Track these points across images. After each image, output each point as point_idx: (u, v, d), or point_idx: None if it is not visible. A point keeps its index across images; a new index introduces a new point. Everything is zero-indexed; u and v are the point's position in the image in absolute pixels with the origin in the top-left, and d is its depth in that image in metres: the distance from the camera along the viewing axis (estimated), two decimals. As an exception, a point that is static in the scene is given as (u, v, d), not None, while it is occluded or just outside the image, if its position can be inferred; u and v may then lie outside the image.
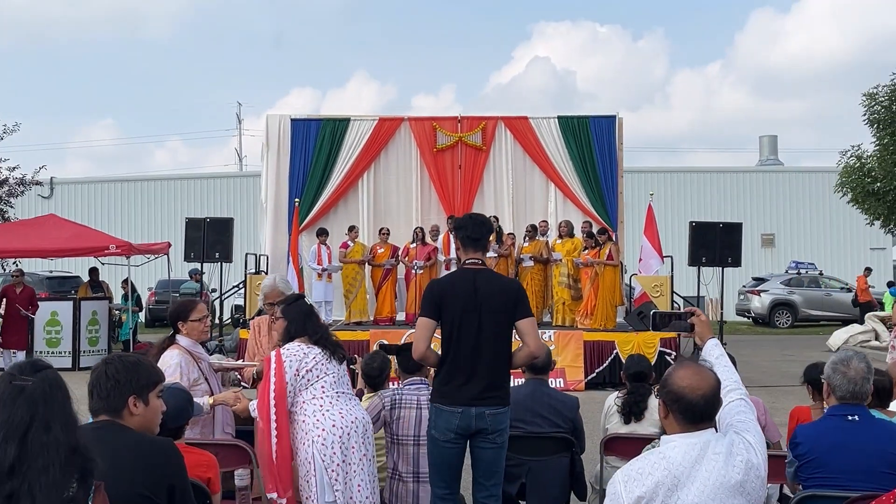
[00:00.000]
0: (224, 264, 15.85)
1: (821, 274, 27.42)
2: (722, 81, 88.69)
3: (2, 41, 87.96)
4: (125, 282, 18.07)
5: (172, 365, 4.77)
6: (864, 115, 19.29)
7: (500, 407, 4.67)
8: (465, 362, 4.66)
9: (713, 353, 3.36)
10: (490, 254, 15.27)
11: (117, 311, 18.54)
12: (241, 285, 16.36)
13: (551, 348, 13.97)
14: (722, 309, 15.28)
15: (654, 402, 5.34)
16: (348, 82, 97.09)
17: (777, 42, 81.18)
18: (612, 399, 5.49)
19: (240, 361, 5.31)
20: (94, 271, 18.27)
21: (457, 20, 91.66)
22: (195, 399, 4.41)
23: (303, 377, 4.55)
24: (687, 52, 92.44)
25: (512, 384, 4.91)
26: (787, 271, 28.03)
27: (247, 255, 15.87)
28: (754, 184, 34.66)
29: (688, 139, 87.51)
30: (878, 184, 18.69)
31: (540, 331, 13.99)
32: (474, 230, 4.87)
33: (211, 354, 14.96)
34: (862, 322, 21.26)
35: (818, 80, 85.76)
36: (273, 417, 4.41)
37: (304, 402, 4.53)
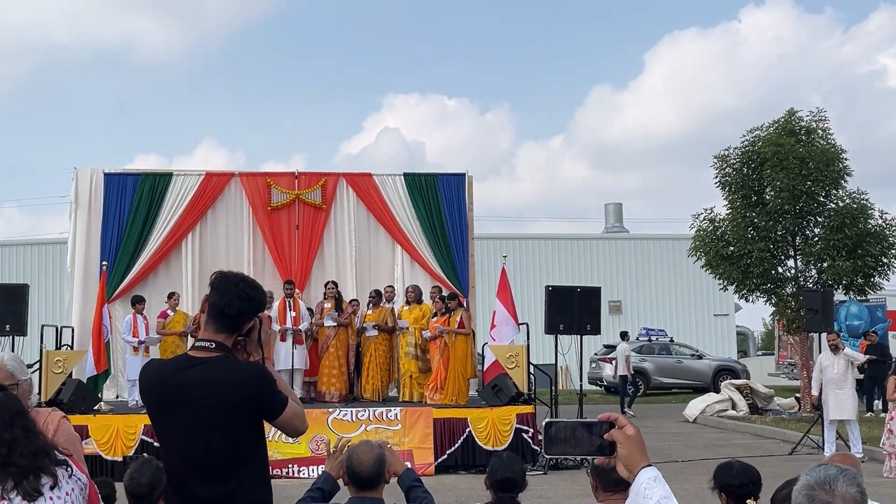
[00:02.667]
0: (17, 338, 13.57)
1: (671, 341, 27.11)
2: (564, 154, 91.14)
3: None
4: None
5: None
6: (716, 177, 19.04)
7: None
8: (177, 482, 3.20)
9: (650, 495, 1.88)
10: (328, 322, 13.73)
11: None
12: (38, 364, 14.01)
13: (395, 429, 12.63)
14: (581, 380, 14.18)
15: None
16: (196, 149, 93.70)
17: (615, 117, 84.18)
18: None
19: None
20: None
21: (307, 89, 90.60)
22: None
23: None
24: (531, 126, 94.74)
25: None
26: (637, 338, 27.58)
27: (43, 326, 13.59)
28: (601, 251, 34.68)
29: (533, 209, 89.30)
30: (732, 248, 18.34)
31: (385, 408, 12.72)
32: (231, 303, 3.16)
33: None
34: (717, 391, 20.81)
35: (654, 154, 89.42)
36: None
37: None
